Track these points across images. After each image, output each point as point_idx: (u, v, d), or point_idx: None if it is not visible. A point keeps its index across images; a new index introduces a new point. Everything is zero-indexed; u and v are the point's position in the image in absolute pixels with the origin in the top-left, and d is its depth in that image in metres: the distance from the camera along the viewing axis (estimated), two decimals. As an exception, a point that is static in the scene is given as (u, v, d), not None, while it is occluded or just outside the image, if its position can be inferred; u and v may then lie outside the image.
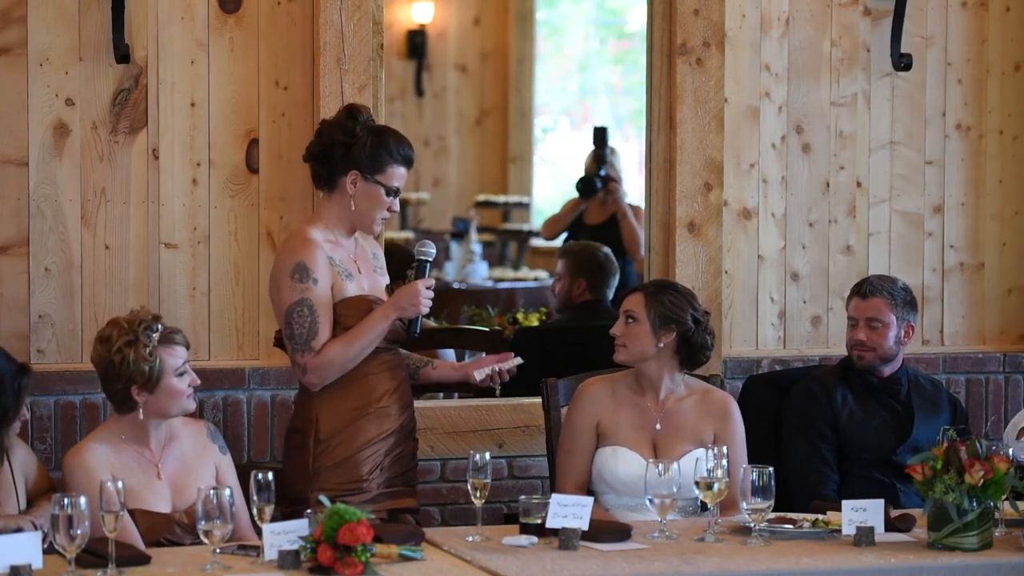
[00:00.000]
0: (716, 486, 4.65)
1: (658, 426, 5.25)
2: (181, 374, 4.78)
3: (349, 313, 5.11)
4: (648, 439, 5.24)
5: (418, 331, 5.20)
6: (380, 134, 5.17)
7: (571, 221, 9.26)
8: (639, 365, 5.28)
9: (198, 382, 4.83)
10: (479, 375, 5.27)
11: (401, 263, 6.12)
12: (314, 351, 5.05)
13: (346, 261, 5.16)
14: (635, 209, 8.89)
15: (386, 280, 5.30)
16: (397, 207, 5.20)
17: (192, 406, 4.83)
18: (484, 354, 6.29)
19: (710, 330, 5.28)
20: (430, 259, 5.16)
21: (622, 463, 5.18)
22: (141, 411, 4.75)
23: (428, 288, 5.10)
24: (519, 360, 5.29)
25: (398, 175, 5.16)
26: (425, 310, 5.12)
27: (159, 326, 4.77)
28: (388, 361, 5.18)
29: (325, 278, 5.07)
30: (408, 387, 5.27)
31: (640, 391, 5.29)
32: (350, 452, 5.09)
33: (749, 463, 4.92)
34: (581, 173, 9.36)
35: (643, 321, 5.24)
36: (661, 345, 5.24)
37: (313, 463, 5.11)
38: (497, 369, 5.27)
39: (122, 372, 4.72)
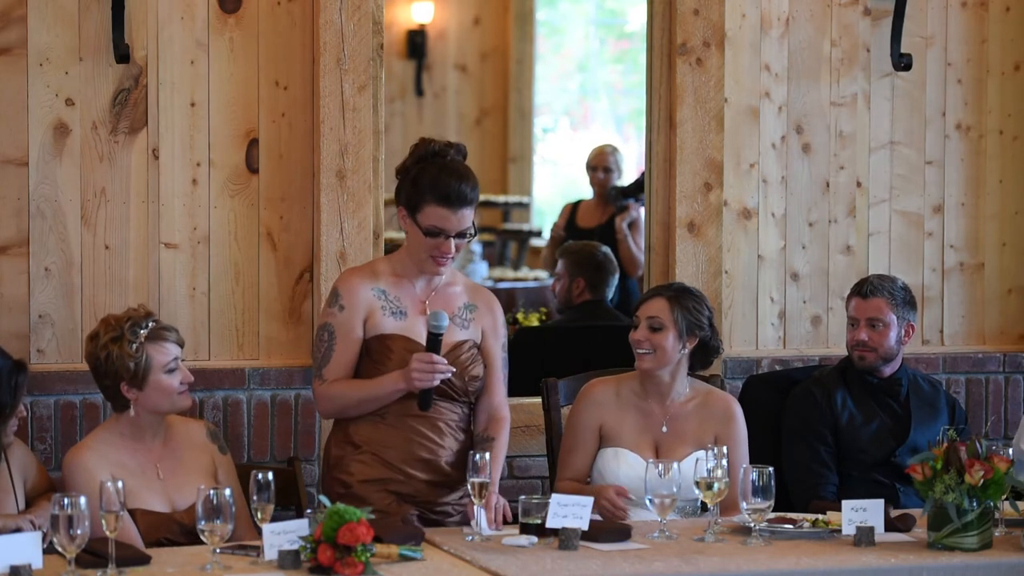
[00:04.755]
0: (716, 486, 4.65)
1: (664, 429, 5.23)
2: (171, 371, 4.77)
3: (387, 353, 4.91)
4: (651, 442, 5.22)
5: (426, 407, 4.93)
6: (425, 168, 4.90)
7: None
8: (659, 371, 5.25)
9: (191, 379, 4.83)
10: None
11: None
12: (323, 379, 4.97)
13: (406, 298, 4.97)
14: (632, 223, 8.86)
15: (467, 337, 5.00)
16: (449, 248, 4.87)
17: (186, 403, 4.82)
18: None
19: (718, 330, 5.29)
20: (438, 332, 4.82)
21: (624, 465, 5.17)
22: (133, 408, 4.76)
23: (426, 362, 4.80)
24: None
25: (435, 214, 4.84)
26: (420, 385, 4.83)
27: (149, 323, 4.77)
28: (412, 408, 4.97)
29: (355, 307, 4.93)
30: (442, 441, 5.00)
31: (645, 394, 5.27)
32: (356, 480, 4.98)
33: (749, 464, 4.92)
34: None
35: (669, 328, 5.18)
36: (685, 351, 5.22)
37: (325, 487, 5.07)
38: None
39: (109, 368, 4.74)
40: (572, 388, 5.55)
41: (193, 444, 4.90)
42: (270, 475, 4.37)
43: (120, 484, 4.18)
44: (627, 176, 9.51)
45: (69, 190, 5.71)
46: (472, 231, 4.94)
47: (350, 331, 4.95)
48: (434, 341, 4.84)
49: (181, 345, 4.85)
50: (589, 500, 4.56)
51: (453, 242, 4.88)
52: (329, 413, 5.08)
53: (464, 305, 5.07)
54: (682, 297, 5.23)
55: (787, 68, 6.40)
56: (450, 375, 4.88)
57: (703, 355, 5.26)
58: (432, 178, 4.87)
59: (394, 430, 4.98)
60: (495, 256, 12.15)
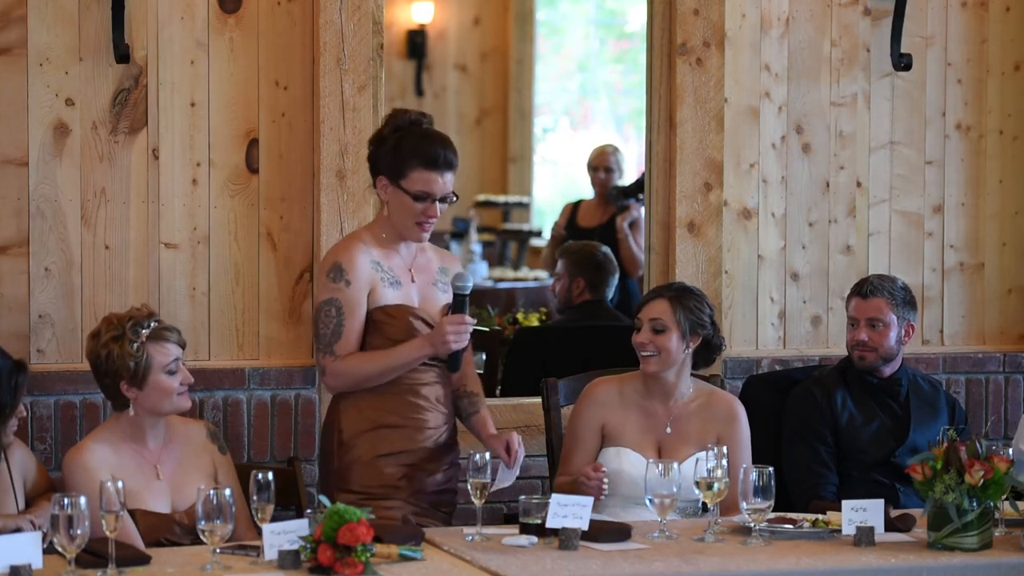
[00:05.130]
0: (716, 486, 4.65)
1: (668, 430, 5.22)
2: (171, 372, 4.78)
3: (389, 321, 5.01)
4: (654, 442, 5.21)
5: (456, 367, 5.05)
6: (405, 136, 5.00)
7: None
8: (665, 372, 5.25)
9: (191, 380, 4.83)
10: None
11: None
12: (335, 355, 4.99)
13: (397, 268, 5.05)
14: (633, 223, 8.86)
15: (449, 300, 5.09)
16: (435, 212, 4.99)
17: (185, 404, 4.83)
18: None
19: (719, 327, 5.29)
20: (465, 293, 4.96)
21: (625, 464, 5.16)
22: (132, 408, 4.77)
23: (458, 324, 4.93)
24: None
25: (422, 179, 4.95)
26: (455, 347, 4.96)
27: (152, 323, 4.77)
28: (421, 378, 5.07)
29: (360, 281, 4.99)
30: (445, 408, 5.13)
31: (648, 394, 5.27)
32: (372, 455, 5.03)
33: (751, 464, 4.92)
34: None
35: (672, 329, 5.19)
36: (688, 351, 5.22)
37: (337, 463, 5.09)
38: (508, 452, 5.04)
39: (109, 367, 4.75)
40: (572, 388, 5.55)
41: (193, 444, 4.90)
42: (270, 475, 4.37)
43: (120, 484, 4.18)
44: (628, 176, 9.52)
45: (69, 190, 5.71)
46: (454, 196, 5.05)
47: (358, 305, 5.00)
48: (461, 302, 4.97)
49: (183, 346, 4.85)
50: (589, 500, 4.56)
51: (438, 206, 5.00)
52: (340, 388, 5.09)
53: (440, 269, 5.16)
54: (684, 297, 5.23)
55: (787, 68, 6.39)
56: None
57: (706, 353, 5.27)
58: (415, 144, 4.98)
59: (405, 400, 5.05)
60: (495, 256, 12.14)
